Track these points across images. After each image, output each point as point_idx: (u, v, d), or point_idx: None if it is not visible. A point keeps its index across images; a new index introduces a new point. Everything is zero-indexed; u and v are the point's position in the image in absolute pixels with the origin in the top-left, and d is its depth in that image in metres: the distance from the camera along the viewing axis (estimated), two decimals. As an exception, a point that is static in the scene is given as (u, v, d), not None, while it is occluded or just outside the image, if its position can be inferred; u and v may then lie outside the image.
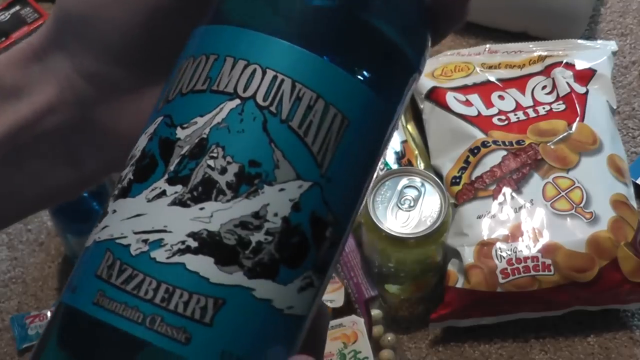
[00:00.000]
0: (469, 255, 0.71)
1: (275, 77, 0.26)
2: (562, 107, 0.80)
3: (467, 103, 0.82)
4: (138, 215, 0.25)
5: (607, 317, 0.75)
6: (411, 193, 0.71)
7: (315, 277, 0.27)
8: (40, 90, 0.31)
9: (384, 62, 0.28)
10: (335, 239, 0.27)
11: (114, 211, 0.26)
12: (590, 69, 0.83)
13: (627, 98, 0.90)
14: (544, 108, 0.80)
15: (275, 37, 0.26)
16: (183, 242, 0.25)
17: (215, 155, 0.25)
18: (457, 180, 0.76)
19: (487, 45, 0.89)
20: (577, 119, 0.78)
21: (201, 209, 0.25)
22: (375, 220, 0.69)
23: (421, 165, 0.81)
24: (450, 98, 0.82)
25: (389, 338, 0.73)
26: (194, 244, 0.25)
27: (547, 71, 0.83)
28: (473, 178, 0.75)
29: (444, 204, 0.70)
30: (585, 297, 0.71)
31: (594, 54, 0.85)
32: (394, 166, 0.81)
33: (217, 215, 0.25)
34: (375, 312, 0.74)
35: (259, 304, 0.25)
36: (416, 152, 0.82)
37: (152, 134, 0.27)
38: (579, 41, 0.88)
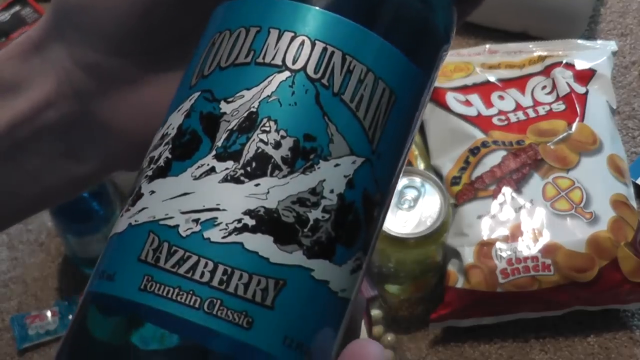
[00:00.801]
0: (469, 255, 0.71)
1: (325, 49, 0.25)
2: (562, 107, 0.80)
3: (467, 103, 0.82)
4: (184, 194, 0.24)
5: (607, 317, 0.75)
6: (411, 193, 0.71)
7: (363, 258, 0.26)
8: (38, 85, 0.30)
9: (426, 36, 0.28)
10: (380, 217, 0.26)
11: (152, 192, 0.25)
12: (590, 69, 0.82)
13: (627, 98, 0.90)
14: (543, 108, 0.80)
15: (324, 9, 0.26)
16: (239, 221, 0.23)
17: (267, 129, 0.24)
18: (457, 180, 0.76)
19: (487, 45, 0.89)
20: (577, 119, 0.78)
21: (256, 185, 0.24)
22: (375, 221, 0.69)
23: (421, 165, 0.81)
24: (450, 98, 0.82)
25: (389, 338, 0.73)
26: (251, 222, 0.23)
27: (547, 71, 0.83)
28: (473, 178, 0.75)
29: (444, 204, 0.70)
30: (585, 297, 0.71)
31: (593, 54, 0.85)
32: (394, 166, 0.81)
33: (274, 191, 0.24)
34: (375, 312, 0.74)
35: (317, 286, 0.24)
36: (416, 152, 0.82)
37: (189, 110, 0.26)
38: (579, 41, 0.88)
